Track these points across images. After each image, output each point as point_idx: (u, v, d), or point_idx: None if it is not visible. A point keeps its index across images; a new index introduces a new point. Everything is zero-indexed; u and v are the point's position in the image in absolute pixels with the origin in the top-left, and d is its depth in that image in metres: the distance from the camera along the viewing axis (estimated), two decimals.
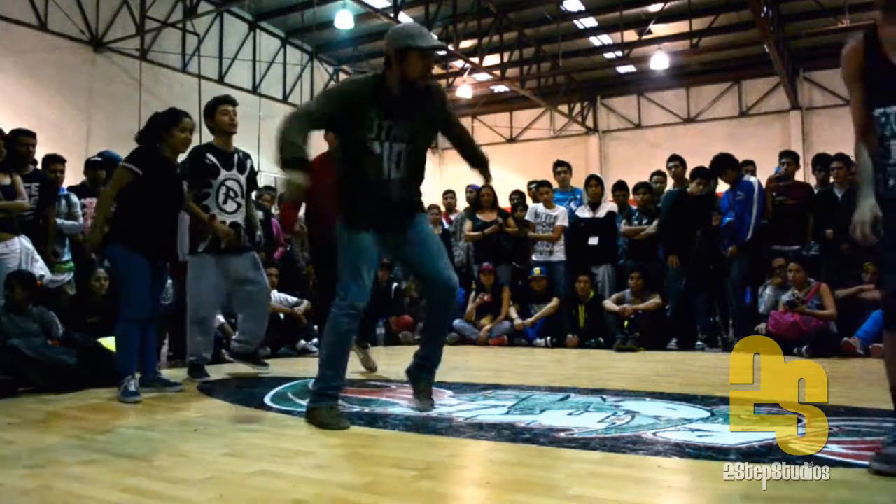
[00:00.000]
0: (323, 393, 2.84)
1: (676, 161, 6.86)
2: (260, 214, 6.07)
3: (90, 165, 5.76)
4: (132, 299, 3.62)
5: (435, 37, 3.07)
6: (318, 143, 3.77)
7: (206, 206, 4.15)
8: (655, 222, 6.60)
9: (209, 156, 4.18)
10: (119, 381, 3.51)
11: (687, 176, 6.61)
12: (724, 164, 6.35)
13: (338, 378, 2.89)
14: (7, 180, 4.57)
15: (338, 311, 2.85)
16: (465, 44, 15.04)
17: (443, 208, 8.26)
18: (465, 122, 21.25)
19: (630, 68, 17.69)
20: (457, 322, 6.89)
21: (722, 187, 6.63)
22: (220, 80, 14.67)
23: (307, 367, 4.11)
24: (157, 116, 3.88)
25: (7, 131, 4.91)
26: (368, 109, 2.83)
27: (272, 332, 5.88)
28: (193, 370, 4.23)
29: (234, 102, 4.35)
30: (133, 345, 3.63)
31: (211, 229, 4.10)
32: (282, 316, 6.02)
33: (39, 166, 5.28)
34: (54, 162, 5.43)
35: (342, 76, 18.49)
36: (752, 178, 6.35)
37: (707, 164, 6.56)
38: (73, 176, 6.58)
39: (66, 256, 5.35)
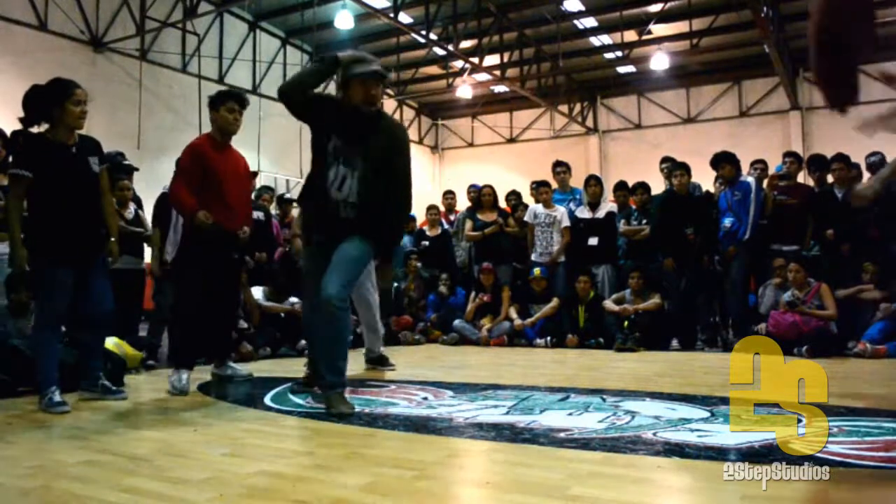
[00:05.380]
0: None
1: (669, 162, 6.86)
2: (260, 215, 6.08)
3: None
4: (45, 310, 3.33)
5: (376, 64, 3.11)
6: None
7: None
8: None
9: None
10: (43, 391, 3.21)
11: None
12: (722, 159, 6.34)
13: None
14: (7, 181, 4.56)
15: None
16: (465, 44, 15.03)
17: (442, 209, 8.25)
18: (465, 122, 21.28)
19: (630, 68, 17.68)
20: (457, 322, 6.91)
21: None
22: (220, 80, 14.65)
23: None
24: (39, 90, 3.31)
25: (7, 132, 4.90)
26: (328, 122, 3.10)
27: (272, 332, 5.90)
28: (378, 360, 4.68)
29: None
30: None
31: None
32: (282, 315, 6.02)
33: None
34: None
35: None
36: (750, 178, 6.35)
37: (707, 165, 6.58)
38: None
39: None
